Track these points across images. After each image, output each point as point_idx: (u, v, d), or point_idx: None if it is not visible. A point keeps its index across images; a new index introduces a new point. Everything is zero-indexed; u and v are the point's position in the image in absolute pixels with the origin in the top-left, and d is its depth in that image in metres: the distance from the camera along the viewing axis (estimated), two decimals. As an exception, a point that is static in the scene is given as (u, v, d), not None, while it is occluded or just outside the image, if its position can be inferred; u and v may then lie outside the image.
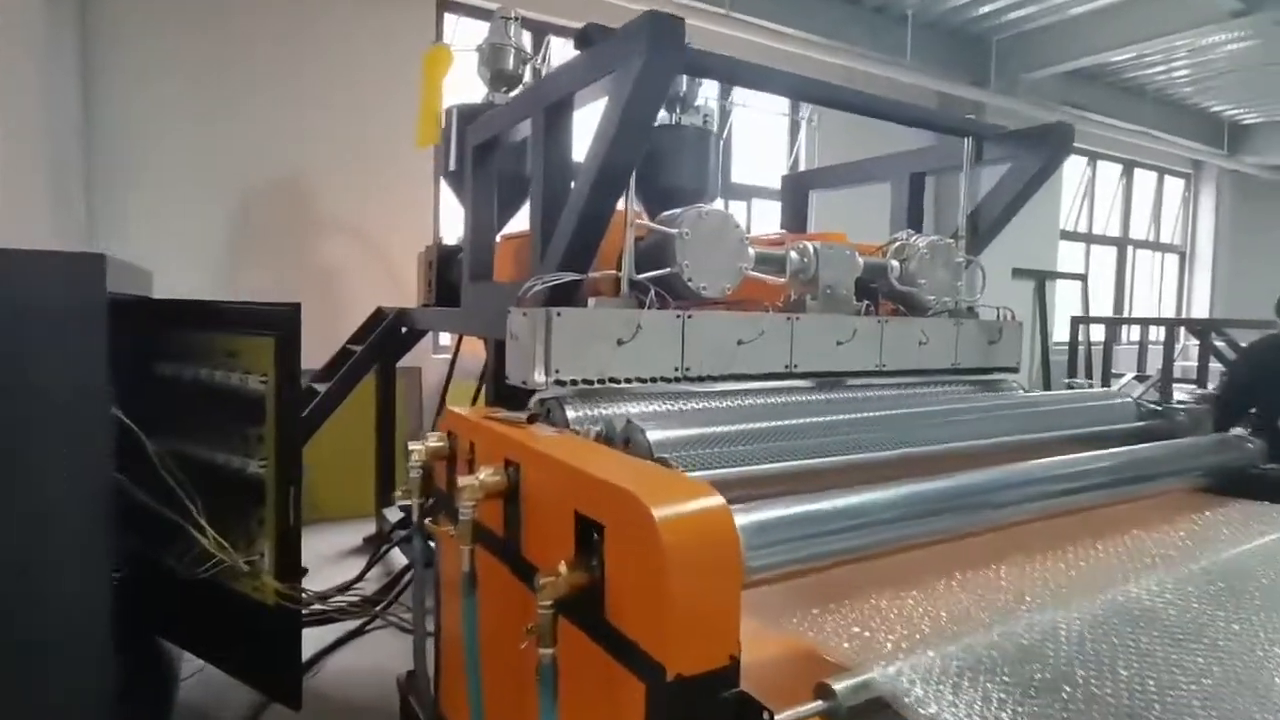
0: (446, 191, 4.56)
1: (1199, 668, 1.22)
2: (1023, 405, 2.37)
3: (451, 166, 3.80)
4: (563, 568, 1.15)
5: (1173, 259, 11.87)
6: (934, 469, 2.08)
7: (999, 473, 1.69)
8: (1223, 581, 1.48)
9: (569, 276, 2.05)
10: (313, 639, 3.02)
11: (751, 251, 2.26)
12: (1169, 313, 11.51)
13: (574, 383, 1.94)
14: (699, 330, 2.11)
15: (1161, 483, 2.03)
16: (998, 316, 2.87)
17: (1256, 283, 11.63)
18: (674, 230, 2.08)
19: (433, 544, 1.98)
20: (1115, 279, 10.64)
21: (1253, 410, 3.19)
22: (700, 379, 2.13)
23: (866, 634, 1.18)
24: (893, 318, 2.51)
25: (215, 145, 5.07)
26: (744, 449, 1.66)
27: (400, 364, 4.73)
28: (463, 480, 1.41)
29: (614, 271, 2.11)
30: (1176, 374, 7.92)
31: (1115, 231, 10.71)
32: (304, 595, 2.56)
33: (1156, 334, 9.25)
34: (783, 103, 7.56)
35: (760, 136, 7.71)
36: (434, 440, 1.80)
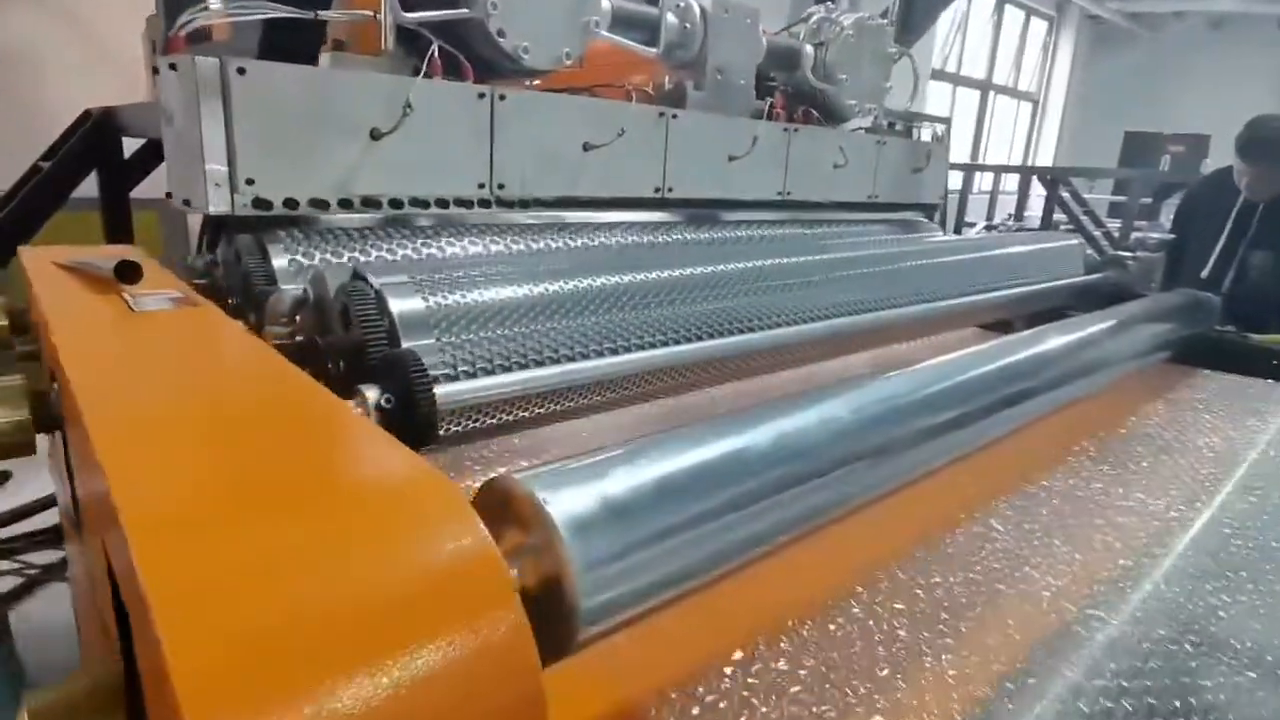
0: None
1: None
2: (964, 250, 1.76)
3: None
4: None
5: (1026, 107, 11.88)
6: (868, 342, 1.48)
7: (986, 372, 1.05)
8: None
9: (278, 9, 1.13)
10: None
11: (606, 3, 1.41)
12: (1017, 163, 11.62)
13: (291, 205, 1.09)
14: (519, 122, 1.29)
15: (1149, 358, 1.52)
16: (919, 136, 2.23)
17: (1097, 133, 11.93)
18: (472, -60, 1.19)
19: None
20: (975, 125, 10.47)
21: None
22: (521, 204, 1.33)
23: None
24: (804, 125, 1.79)
25: None
26: (578, 324, 0.93)
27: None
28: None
29: (365, 11, 1.21)
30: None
31: (980, 74, 10.41)
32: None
33: (1005, 184, 9.25)
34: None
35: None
36: (-20, 311, 0.91)
